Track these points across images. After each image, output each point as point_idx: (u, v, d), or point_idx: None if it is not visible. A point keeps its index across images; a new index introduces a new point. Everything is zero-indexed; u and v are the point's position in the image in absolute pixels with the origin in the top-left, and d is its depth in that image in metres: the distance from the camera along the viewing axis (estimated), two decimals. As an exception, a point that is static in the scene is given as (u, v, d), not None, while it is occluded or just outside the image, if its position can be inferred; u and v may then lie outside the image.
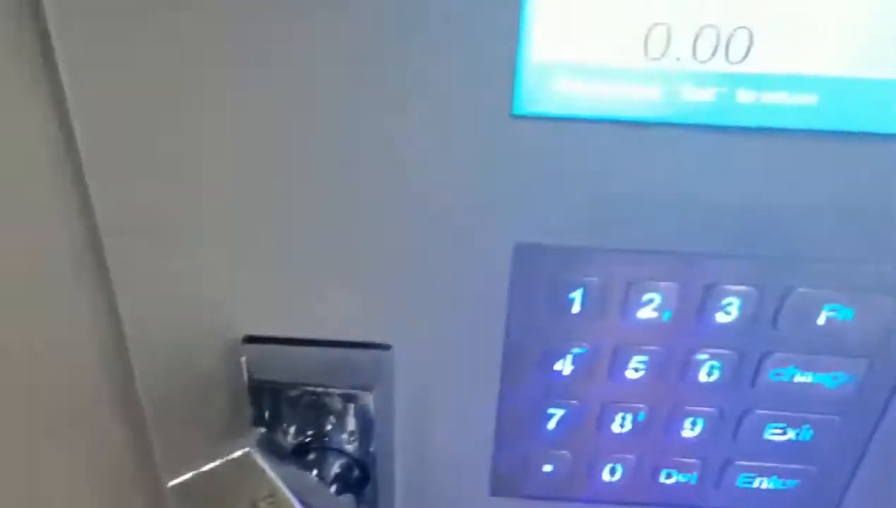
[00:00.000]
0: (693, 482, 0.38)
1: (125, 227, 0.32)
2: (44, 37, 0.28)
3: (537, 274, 0.32)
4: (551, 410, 0.36)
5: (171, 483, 0.32)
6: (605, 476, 0.38)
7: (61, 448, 0.41)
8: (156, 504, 0.43)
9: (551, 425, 0.37)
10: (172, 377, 0.36)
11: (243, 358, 0.34)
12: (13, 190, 0.32)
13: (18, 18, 0.28)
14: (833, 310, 0.32)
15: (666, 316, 0.33)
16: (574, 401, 0.36)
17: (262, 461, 0.32)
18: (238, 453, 0.32)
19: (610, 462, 0.38)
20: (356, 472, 0.38)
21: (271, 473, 0.32)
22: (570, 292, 0.32)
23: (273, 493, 0.32)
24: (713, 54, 0.27)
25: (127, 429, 0.40)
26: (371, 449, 0.37)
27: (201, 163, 0.30)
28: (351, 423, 0.36)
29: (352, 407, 0.35)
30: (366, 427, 0.36)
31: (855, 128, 0.28)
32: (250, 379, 0.34)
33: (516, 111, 0.28)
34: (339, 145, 0.29)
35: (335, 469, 0.37)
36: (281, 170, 0.30)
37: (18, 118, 0.30)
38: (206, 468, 0.32)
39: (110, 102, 0.29)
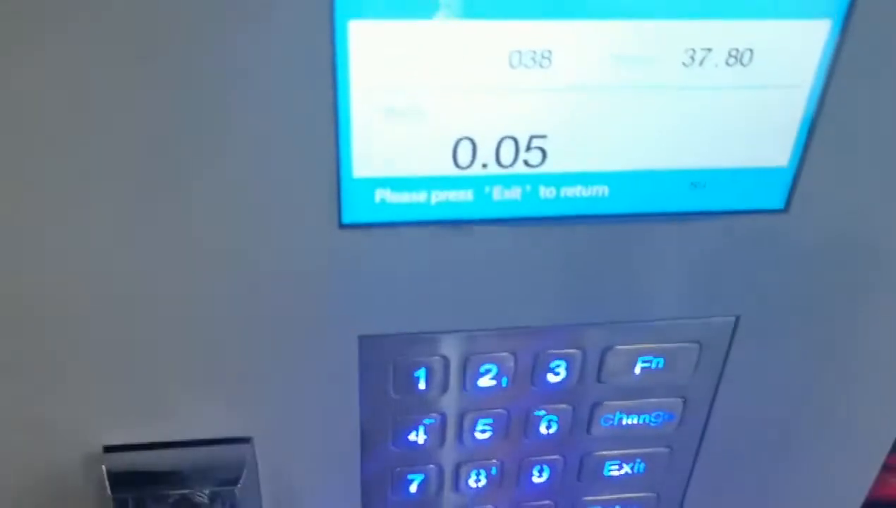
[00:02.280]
0: (548, 520, 0.42)
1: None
2: None
3: (382, 360, 0.35)
4: (410, 476, 0.39)
5: None
6: (468, 528, 0.41)
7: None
8: None
9: (412, 489, 0.39)
10: (32, 494, 0.36)
11: (104, 467, 0.35)
12: None
13: None
14: (647, 362, 0.37)
15: (504, 382, 0.36)
16: (431, 465, 0.39)
17: (131, 572, 0.33)
18: (106, 568, 0.33)
19: (471, 514, 0.41)
20: (230, 559, 0.39)
21: (141, 583, 0.32)
22: (415, 372, 0.35)
23: None
24: (514, 160, 0.30)
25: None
26: (243, 536, 0.38)
27: (40, 292, 0.31)
28: (220, 514, 0.37)
29: (220, 502, 0.36)
30: (235, 516, 0.37)
31: (642, 210, 0.32)
32: (112, 487, 0.35)
33: (345, 221, 0.31)
34: (187, 258, 0.31)
35: (208, 560, 0.38)
36: (125, 284, 0.31)
37: None
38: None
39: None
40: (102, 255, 0.30)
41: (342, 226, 0.31)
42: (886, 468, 0.45)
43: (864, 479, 0.44)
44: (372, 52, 0.27)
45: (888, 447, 0.42)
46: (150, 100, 0.27)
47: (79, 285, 0.31)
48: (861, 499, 0.45)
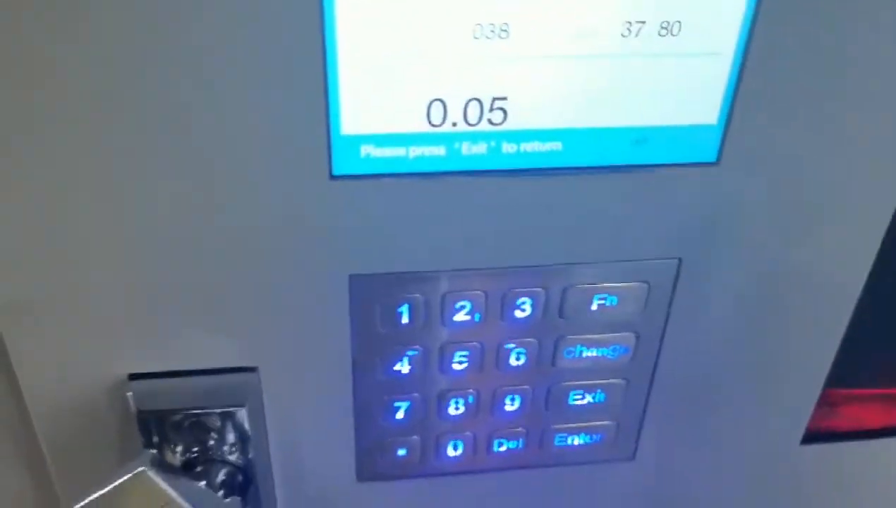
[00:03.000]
0: (521, 447, 0.47)
1: (13, 297, 0.37)
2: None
3: (370, 297, 0.40)
4: (397, 403, 0.44)
5: (77, 507, 0.38)
6: (450, 452, 0.47)
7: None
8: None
9: (399, 415, 0.44)
10: (67, 417, 0.41)
11: (129, 393, 0.40)
12: None
13: None
14: (602, 299, 0.42)
15: (477, 317, 0.41)
16: (415, 394, 0.44)
17: (155, 477, 0.38)
18: (133, 472, 0.38)
19: (451, 440, 0.46)
20: (239, 477, 0.44)
21: (165, 486, 0.38)
22: (398, 308, 0.40)
23: (168, 504, 0.39)
24: (480, 119, 0.35)
25: (27, 470, 0.45)
26: (250, 456, 0.44)
27: (74, 232, 0.36)
28: (230, 437, 0.43)
29: (229, 422, 0.42)
30: (243, 439, 0.43)
31: (592, 164, 0.37)
32: (137, 410, 0.40)
33: (335, 173, 0.36)
34: (200, 206, 0.36)
35: (221, 477, 0.43)
36: (146, 230, 0.36)
37: None
38: (106, 489, 0.38)
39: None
40: (128, 205, 0.35)
41: (332, 177, 0.36)
42: (828, 402, 0.50)
43: (804, 409, 0.49)
44: (357, 26, 0.32)
45: (822, 378, 0.47)
46: (160, 66, 0.32)
47: (106, 231, 0.36)
48: (802, 428, 0.50)
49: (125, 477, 0.38)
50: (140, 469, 0.37)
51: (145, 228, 0.36)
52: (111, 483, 0.38)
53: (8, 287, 0.37)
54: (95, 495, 0.38)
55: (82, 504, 0.38)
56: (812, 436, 0.51)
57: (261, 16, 0.31)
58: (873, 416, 0.53)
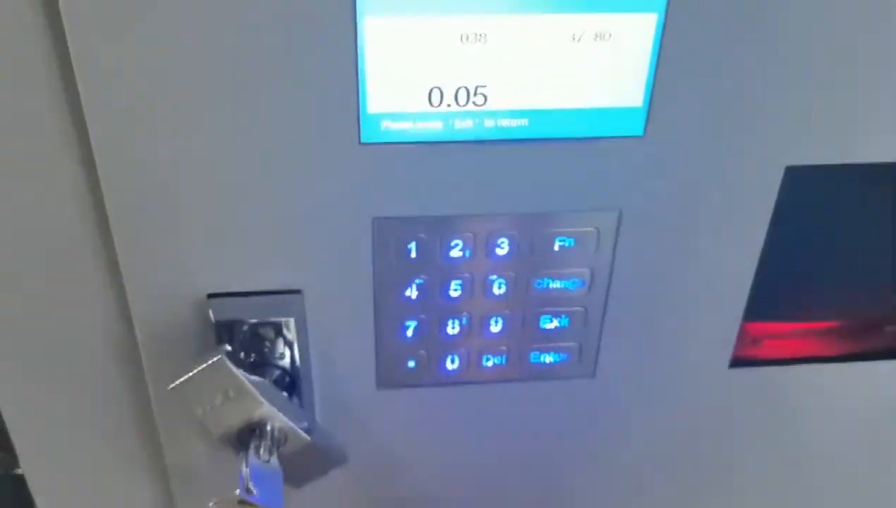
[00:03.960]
0: (504, 363, 0.61)
1: (135, 209, 0.51)
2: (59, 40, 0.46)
3: (388, 236, 0.53)
4: (407, 323, 0.58)
5: (171, 387, 0.51)
6: (448, 365, 0.60)
7: (70, 390, 0.60)
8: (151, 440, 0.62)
9: (409, 333, 0.58)
10: (162, 327, 0.55)
11: (210, 309, 0.54)
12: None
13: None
14: (562, 241, 0.55)
15: (467, 253, 0.55)
16: (422, 315, 0.57)
17: (229, 365, 0.52)
18: (212, 360, 0.51)
19: (450, 354, 0.59)
20: (287, 379, 0.58)
21: (237, 371, 0.51)
22: (408, 245, 0.54)
23: (238, 386, 0.52)
24: (467, 102, 0.49)
25: (124, 370, 0.59)
26: (296, 363, 0.57)
27: (187, 166, 0.50)
28: (280, 346, 0.56)
29: (280, 335, 0.55)
30: (290, 348, 0.56)
31: (551, 136, 0.51)
32: (215, 321, 0.54)
33: (363, 140, 0.49)
34: (270, 166, 0.50)
35: (273, 377, 0.57)
36: (222, 172, 0.50)
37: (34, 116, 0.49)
38: (191, 373, 0.51)
39: (119, 101, 0.48)
40: (220, 160, 0.49)
41: (361, 143, 0.49)
42: (750, 334, 0.63)
43: (729, 336, 0.62)
44: (378, 38, 0.46)
45: (741, 309, 0.60)
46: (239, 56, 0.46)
47: (205, 180, 0.50)
48: (728, 353, 0.63)
49: (206, 364, 0.51)
50: (218, 356, 0.51)
51: (229, 179, 0.50)
52: (194, 369, 0.52)
53: (130, 218, 0.51)
54: (182, 378, 0.51)
55: (176, 383, 0.51)
56: (738, 362, 0.64)
57: (311, 35, 0.45)
58: (793, 347, 0.66)
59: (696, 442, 0.69)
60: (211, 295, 0.54)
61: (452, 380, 0.61)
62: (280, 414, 0.53)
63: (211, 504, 0.50)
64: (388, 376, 0.60)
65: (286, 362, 0.57)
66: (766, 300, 0.61)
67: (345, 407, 0.61)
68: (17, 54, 0.46)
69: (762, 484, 0.74)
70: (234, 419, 0.53)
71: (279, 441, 0.54)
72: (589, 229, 0.55)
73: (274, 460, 0.53)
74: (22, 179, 0.50)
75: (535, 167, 0.52)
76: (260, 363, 0.57)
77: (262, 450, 0.53)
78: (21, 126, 0.48)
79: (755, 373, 0.65)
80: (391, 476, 0.67)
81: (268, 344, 0.56)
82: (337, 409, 0.62)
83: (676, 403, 0.66)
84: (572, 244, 0.56)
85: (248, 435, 0.53)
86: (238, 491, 0.51)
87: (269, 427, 0.53)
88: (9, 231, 0.52)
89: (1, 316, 0.56)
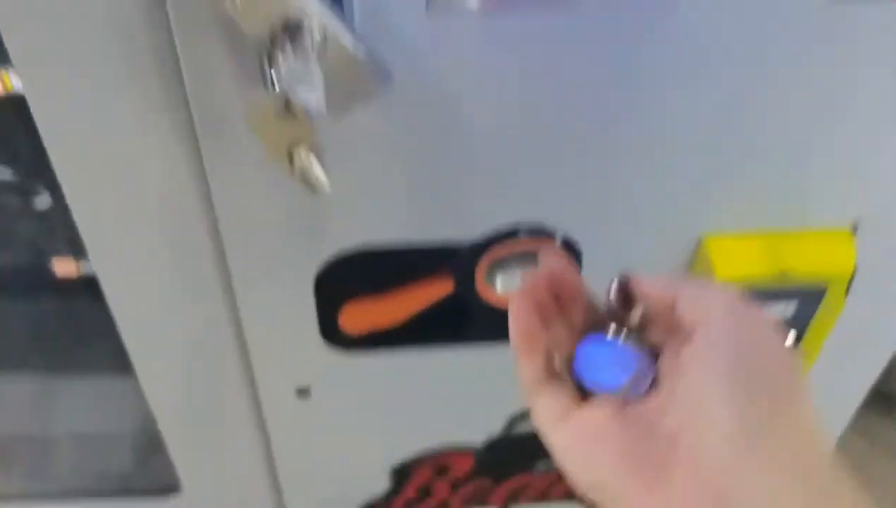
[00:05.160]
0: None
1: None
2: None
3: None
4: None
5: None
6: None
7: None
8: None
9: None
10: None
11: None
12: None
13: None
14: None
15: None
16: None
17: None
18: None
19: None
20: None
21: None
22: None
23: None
24: None
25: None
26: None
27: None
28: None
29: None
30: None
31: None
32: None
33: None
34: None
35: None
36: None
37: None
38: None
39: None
40: None
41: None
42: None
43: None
44: None
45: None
46: None
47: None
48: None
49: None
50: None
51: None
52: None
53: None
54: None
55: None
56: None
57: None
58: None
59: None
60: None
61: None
62: (324, 8, 0.46)
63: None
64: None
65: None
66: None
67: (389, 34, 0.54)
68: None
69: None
70: (269, 7, 0.46)
71: (319, 48, 0.48)
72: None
73: (314, 66, 0.47)
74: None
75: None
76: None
77: (298, 53, 0.47)
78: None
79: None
80: (435, 120, 0.61)
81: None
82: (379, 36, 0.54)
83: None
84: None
85: (282, 38, 0.47)
86: (266, 89, 0.48)
87: (308, 25, 0.46)
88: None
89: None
